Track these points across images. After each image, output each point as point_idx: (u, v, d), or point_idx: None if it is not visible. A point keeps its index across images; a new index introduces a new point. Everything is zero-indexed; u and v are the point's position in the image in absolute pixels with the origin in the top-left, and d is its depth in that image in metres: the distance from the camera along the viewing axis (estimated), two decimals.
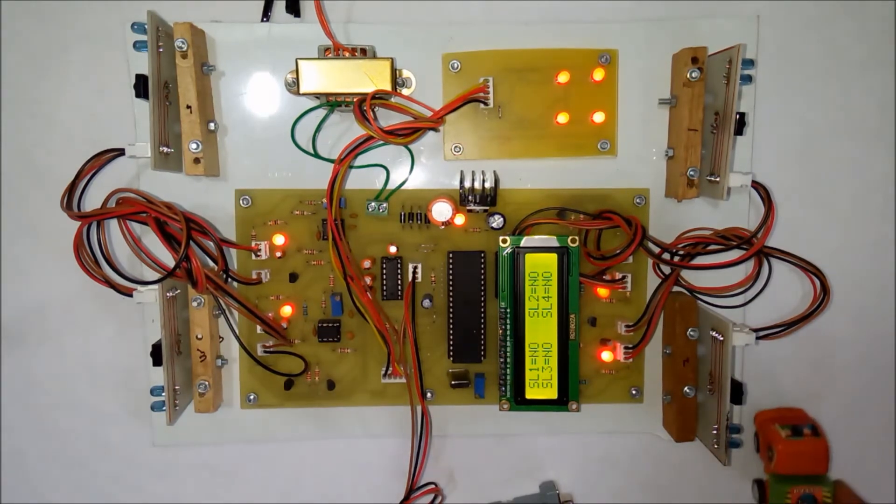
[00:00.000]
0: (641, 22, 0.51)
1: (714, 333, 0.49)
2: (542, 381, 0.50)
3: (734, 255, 0.50)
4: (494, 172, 0.51)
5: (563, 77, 0.51)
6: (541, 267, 0.49)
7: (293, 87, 0.48)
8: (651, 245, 0.51)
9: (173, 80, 0.47)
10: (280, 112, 0.51)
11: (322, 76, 0.47)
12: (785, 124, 0.53)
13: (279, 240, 0.52)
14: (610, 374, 0.54)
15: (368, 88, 0.47)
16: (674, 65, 0.50)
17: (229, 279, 0.51)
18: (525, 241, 0.49)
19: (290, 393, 0.53)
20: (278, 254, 0.52)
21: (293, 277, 0.52)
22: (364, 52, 0.48)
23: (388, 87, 0.47)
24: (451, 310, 0.51)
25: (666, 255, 0.51)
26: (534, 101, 0.51)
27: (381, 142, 0.49)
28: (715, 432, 0.49)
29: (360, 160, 0.51)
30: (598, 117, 0.51)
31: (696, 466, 0.56)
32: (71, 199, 0.49)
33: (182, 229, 0.46)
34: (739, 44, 0.46)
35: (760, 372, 0.54)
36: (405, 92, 0.50)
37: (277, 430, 0.54)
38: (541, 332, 0.49)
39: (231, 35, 0.50)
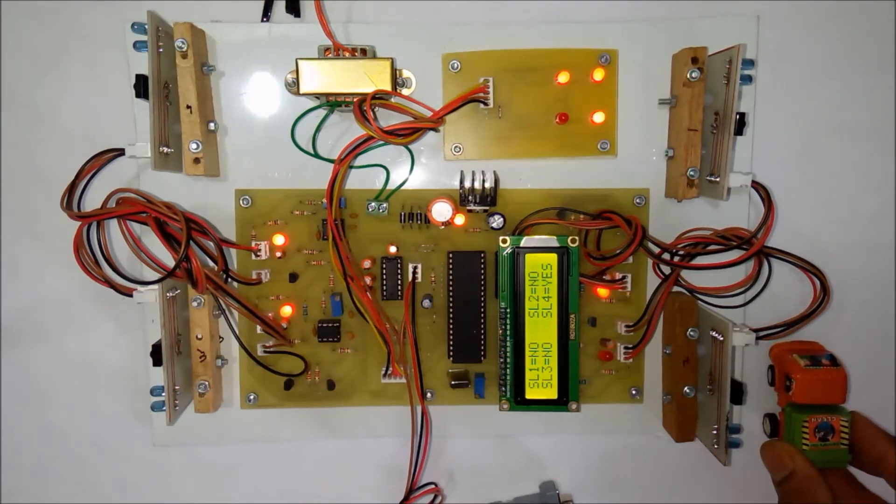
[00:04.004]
0: (641, 22, 0.51)
1: (714, 333, 0.49)
2: (542, 381, 0.50)
3: (734, 255, 0.50)
4: (494, 172, 0.51)
5: (563, 77, 0.51)
6: (541, 267, 0.49)
7: (293, 87, 0.48)
8: (651, 245, 0.51)
9: (173, 80, 0.47)
10: (280, 112, 0.51)
11: (322, 76, 0.47)
12: (785, 124, 0.53)
13: (279, 240, 0.52)
14: (610, 374, 0.54)
15: (368, 88, 0.47)
16: (674, 65, 0.50)
17: (229, 279, 0.51)
18: (525, 241, 0.49)
19: (290, 393, 0.53)
20: (278, 254, 0.51)
21: (293, 277, 0.52)
22: (364, 52, 0.48)
23: (388, 87, 0.47)
24: (451, 310, 0.51)
25: (666, 255, 0.51)
26: (534, 101, 0.51)
27: (381, 142, 0.49)
28: (715, 432, 0.49)
29: (360, 160, 0.51)
30: (598, 117, 0.51)
31: (696, 466, 0.56)
32: (71, 199, 0.49)
33: (182, 229, 0.46)
34: (739, 44, 0.46)
35: (760, 372, 0.54)
36: (405, 92, 0.50)
37: (277, 430, 0.54)
38: (541, 332, 0.49)
39: (231, 35, 0.50)
